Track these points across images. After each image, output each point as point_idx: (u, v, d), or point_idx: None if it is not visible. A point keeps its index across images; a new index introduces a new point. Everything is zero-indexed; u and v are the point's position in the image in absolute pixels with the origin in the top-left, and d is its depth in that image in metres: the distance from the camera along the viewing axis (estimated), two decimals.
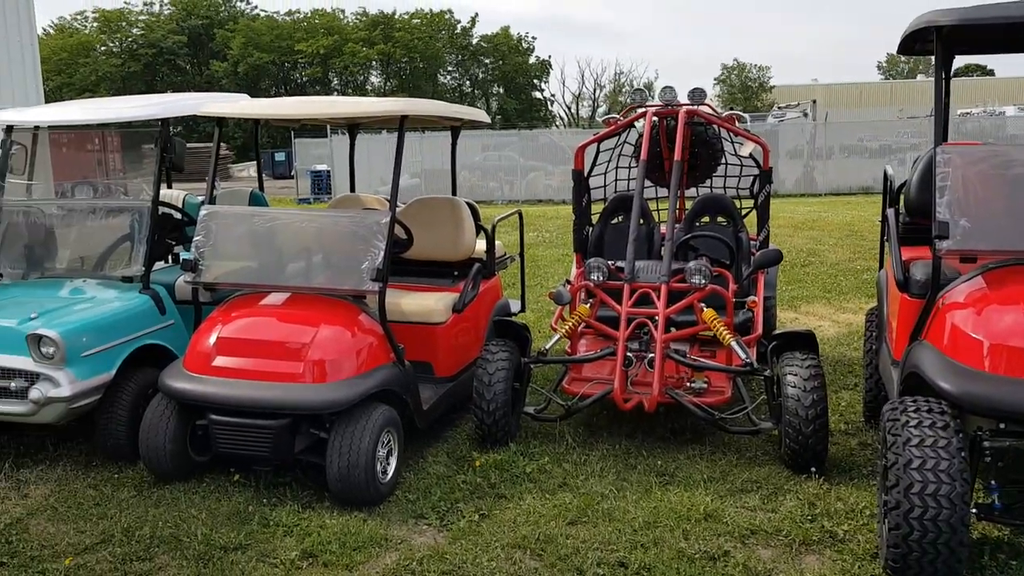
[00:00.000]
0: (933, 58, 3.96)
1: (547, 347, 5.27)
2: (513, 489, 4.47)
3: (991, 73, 68.22)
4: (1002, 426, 3.34)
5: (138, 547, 3.92)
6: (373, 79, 55.51)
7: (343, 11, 55.28)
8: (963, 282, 3.69)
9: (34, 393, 4.46)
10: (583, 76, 73.05)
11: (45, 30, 49.99)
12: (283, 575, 3.72)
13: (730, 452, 4.89)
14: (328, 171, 25.92)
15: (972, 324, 3.46)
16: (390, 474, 4.44)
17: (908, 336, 3.93)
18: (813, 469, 4.47)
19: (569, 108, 56.73)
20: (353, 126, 7.02)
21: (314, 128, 22.22)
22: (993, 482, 3.45)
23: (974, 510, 3.39)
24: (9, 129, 5.59)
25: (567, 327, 5.28)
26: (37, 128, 5.84)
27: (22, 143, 5.76)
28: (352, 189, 7.00)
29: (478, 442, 5.02)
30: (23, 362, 4.53)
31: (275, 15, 53.60)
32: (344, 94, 51.07)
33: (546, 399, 5.28)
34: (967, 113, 29.88)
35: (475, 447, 5.01)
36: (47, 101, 13.94)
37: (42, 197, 6.06)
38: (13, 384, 4.55)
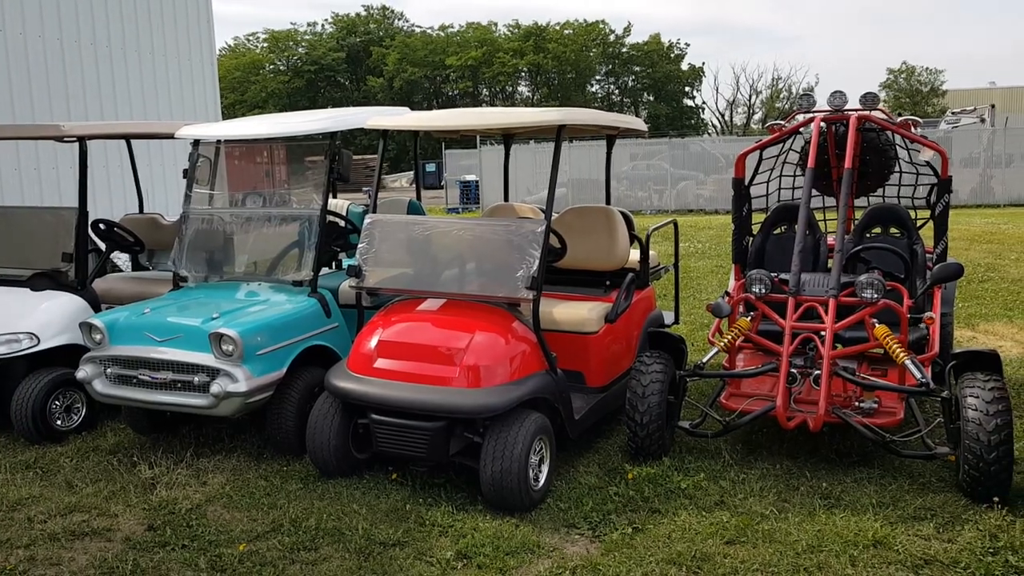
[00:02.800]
0: None
1: (704, 360, 5.16)
2: (667, 504, 4.41)
3: None
4: None
5: (304, 537, 4.14)
6: (522, 89, 56.37)
7: (496, 24, 56.39)
8: None
9: (215, 387, 4.80)
10: (738, 82, 71.18)
11: (221, 51, 53.94)
12: (439, 574, 3.82)
13: (901, 477, 4.63)
14: (476, 181, 26.52)
15: None
16: (542, 481, 4.49)
17: None
18: (996, 499, 4.17)
19: (722, 115, 55.46)
20: (508, 137, 7.15)
21: (464, 140, 22.84)
22: None
23: None
24: (196, 143, 6.05)
25: (725, 341, 5.16)
26: (219, 142, 6.29)
27: (207, 156, 6.23)
28: (506, 198, 7.12)
29: (631, 454, 4.98)
30: (205, 358, 4.88)
31: (430, 30, 55.49)
32: (492, 105, 52.17)
33: (702, 414, 5.18)
34: None
35: (627, 459, 4.98)
36: (223, 118, 15.02)
37: (221, 206, 6.51)
38: (196, 379, 4.91)
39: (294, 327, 5.22)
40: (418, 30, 56.12)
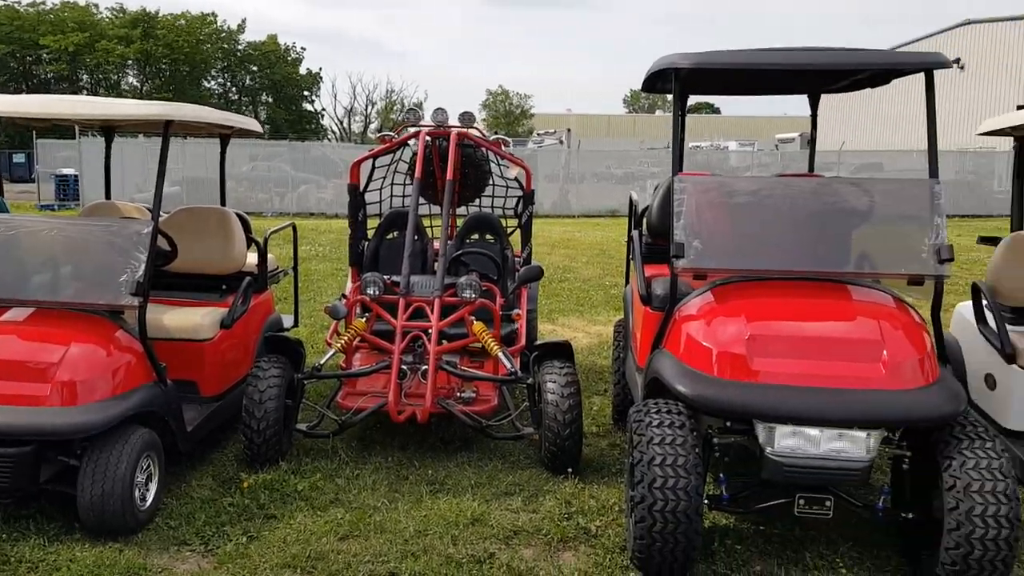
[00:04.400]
0: (672, 96, 4.33)
1: (321, 362, 5.14)
2: (283, 509, 4.31)
3: (718, 111, 75.72)
4: (728, 424, 3.71)
5: None
6: (130, 79, 51.48)
7: (97, 6, 50.65)
8: (696, 296, 4.06)
9: None
10: (355, 91, 72.12)
11: None
12: None
13: (496, 458, 5.03)
14: (76, 176, 23.63)
15: (703, 334, 3.81)
16: (150, 500, 4.12)
17: (650, 345, 4.25)
18: (570, 470, 4.71)
19: (341, 122, 55.85)
20: (109, 129, 6.47)
21: (59, 129, 20.22)
22: (722, 475, 3.82)
23: (706, 501, 3.74)
24: None
25: (342, 342, 5.20)
26: None
27: None
28: (107, 196, 6.44)
29: (247, 463, 4.78)
30: None
31: (16, 4, 48.16)
32: (95, 94, 46.89)
33: (319, 415, 5.15)
34: (697, 147, 32.96)
35: (244, 468, 4.78)
36: None
37: None
38: None
39: None
40: (2, 3, 48.46)
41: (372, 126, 55.65)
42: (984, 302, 4.81)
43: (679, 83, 4.26)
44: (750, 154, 30.12)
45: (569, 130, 32.55)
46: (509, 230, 6.93)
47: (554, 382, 4.73)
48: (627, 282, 6.08)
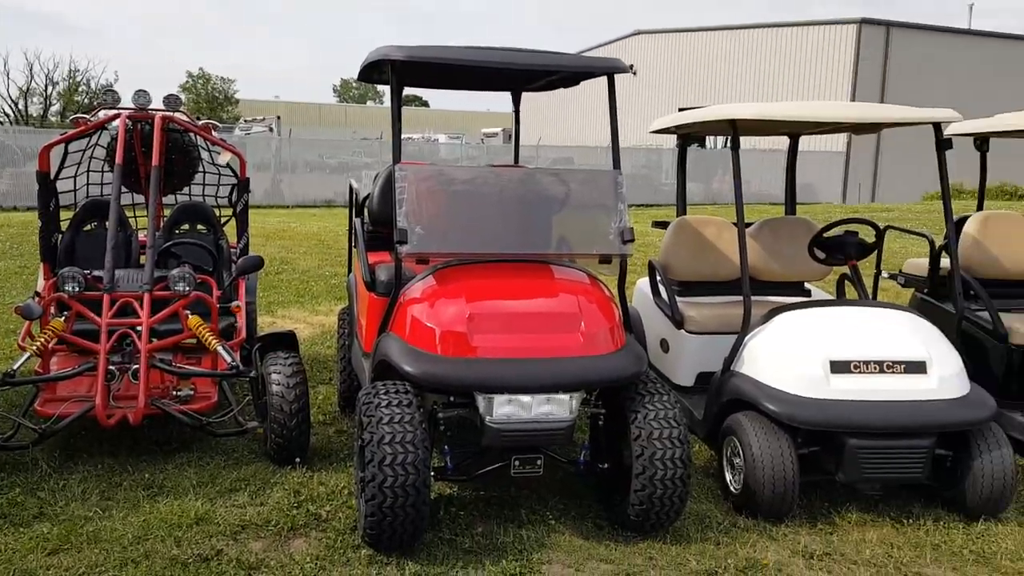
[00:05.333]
0: (389, 87, 4.43)
1: (15, 368, 4.59)
2: None
3: (426, 104, 77.39)
4: (452, 399, 3.92)
5: None
6: None
7: None
8: (419, 281, 4.22)
9: None
10: (31, 70, 63.46)
11: None
12: None
13: (219, 455, 4.85)
14: None
15: (427, 315, 3.98)
16: None
17: (376, 330, 4.35)
18: (298, 460, 4.67)
19: (15, 103, 48.99)
20: None
21: None
22: (447, 447, 4.03)
23: (433, 473, 3.93)
24: None
25: (38, 344, 4.68)
26: None
27: None
28: None
29: None
30: None
31: None
32: None
33: (14, 425, 4.61)
34: (409, 138, 33.49)
35: None
36: None
37: None
38: None
39: None
40: None
41: (53, 108, 49.53)
42: (658, 278, 5.50)
43: (395, 74, 4.37)
44: (458, 147, 31.21)
45: (279, 118, 31.44)
46: (224, 220, 6.64)
47: (279, 373, 4.66)
48: (350, 270, 6.11)
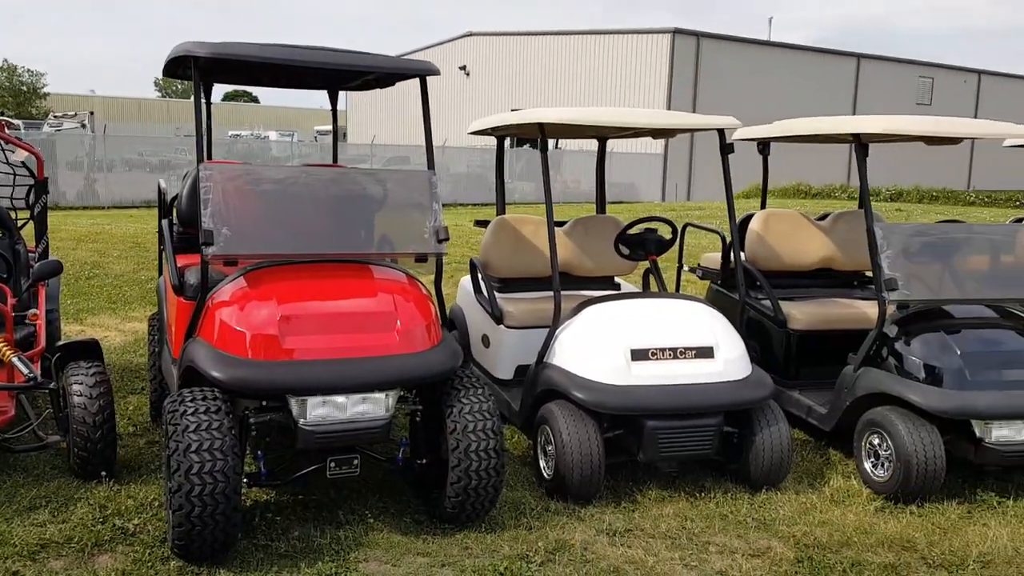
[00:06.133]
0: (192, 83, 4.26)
1: None
2: None
3: (256, 100, 74.52)
4: (264, 403, 3.83)
5: None
6: None
7: None
8: (228, 283, 4.09)
9: None
10: None
11: None
12: None
13: (18, 472, 4.50)
14: None
15: (236, 319, 3.87)
16: None
17: (185, 335, 4.17)
18: (104, 474, 4.41)
19: None
20: None
21: None
22: (260, 452, 3.94)
23: (245, 480, 3.82)
24: None
25: None
26: None
27: None
28: None
29: None
30: None
31: None
32: None
33: None
34: (238, 135, 32.18)
35: None
36: None
37: None
38: None
39: None
40: None
41: None
42: (479, 275, 5.62)
43: (198, 71, 4.21)
44: (290, 144, 30.32)
45: (92, 113, 29.30)
46: (21, 223, 6.13)
47: (80, 384, 4.37)
48: (160, 273, 5.82)
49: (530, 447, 4.98)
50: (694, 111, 32.52)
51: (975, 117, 39.92)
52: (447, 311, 4.50)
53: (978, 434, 4.38)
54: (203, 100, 4.32)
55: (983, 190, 31.05)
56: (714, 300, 6.36)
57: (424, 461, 4.16)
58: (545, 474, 4.49)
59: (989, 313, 4.89)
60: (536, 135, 5.00)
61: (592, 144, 6.76)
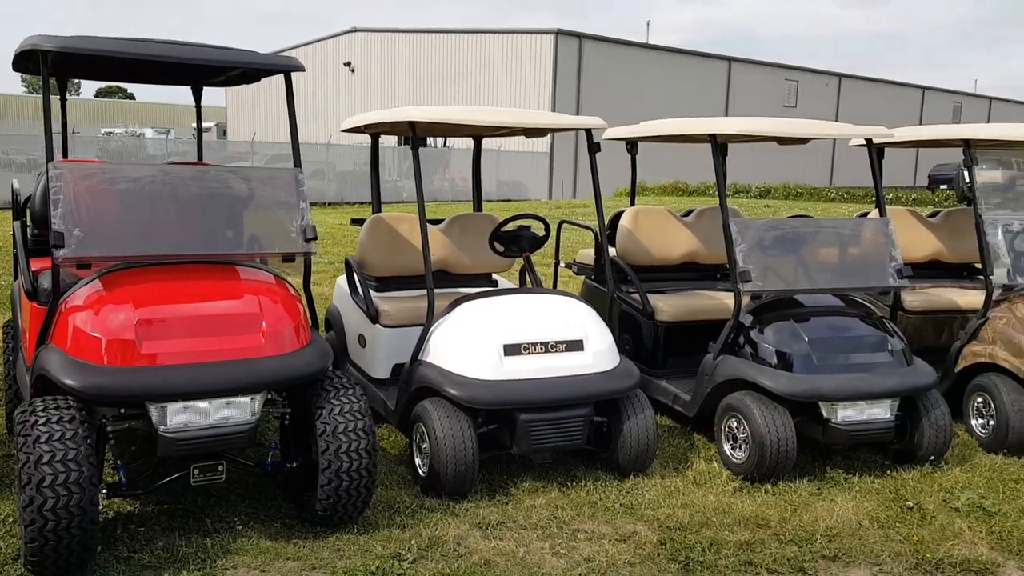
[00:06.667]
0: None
1: None
2: None
3: (132, 96, 70.96)
4: (122, 411, 3.66)
5: None
6: None
7: None
8: (81, 287, 3.88)
9: None
10: None
11: None
12: None
13: None
14: None
15: (90, 324, 3.67)
16: None
17: (36, 342, 3.94)
18: None
19: None
20: None
21: None
22: (119, 462, 3.76)
23: (105, 491, 3.64)
24: None
25: None
26: None
27: None
28: None
29: None
30: None
31: None
32: None
33: None
34: (111, 133, 30.55)
35: None
36: None
37: None
38: None
39: None
40: None
41: None
42: (354, 274, 5.55)
43: (46, 66, 3.97)
44: (166, 141, 29.00)
45: None
46: None
47: None
48: (15, 277, 5.46)
49: (408, 446, 4.96)
50: (578, 111, 33.15)
51: (836, 117, 42.43)
52: (316, 312, 4.41)
53: (825, 415, 4.66)
54: (62, 96, 4.07)
55: (843, 187, 33.07)
56: (588, 295, 6.50)
57: (295, 464, 4.07)
58: (420, 472, 4.48)
59: (835, 302, 5.21)
60: (407, 133, 4.97)
61: (483, 143, 6.78)
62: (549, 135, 5.93)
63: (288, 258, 4.32)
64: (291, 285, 4.32)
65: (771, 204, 25.29)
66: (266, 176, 4.89)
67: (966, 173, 5.48)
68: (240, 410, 3.70)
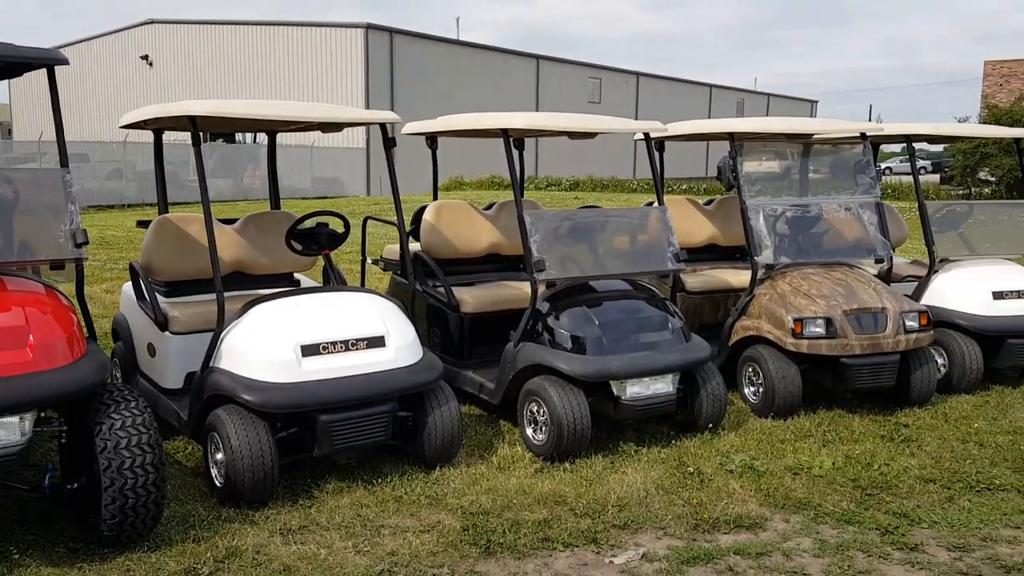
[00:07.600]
0: None
1: None
2: None
3: None
4: None
5: None
6: None
7: None
8: None
9: None
10: None
11: None
12: None
13: None
14: None
15: None
16: None
17: None
18: None
19: None
20: None
21: None
22: None
23: None
24: None
25: None
26: None
27: None
28: None
29: None
30: None
31: None
32: None
33: None
34: None
35: None
36: None
37: None
38: None
39: None
40: None
41: None
42: (140, 279, 5.19)
43: None
44: None
45: None
46: None
47: None
48: None
49: (204, 457, 4.72)
50: (392, 106, 32.82)
51: (636, 113, 44.77)
52: (93, 322, 4.10)
53: (615, 393, 4.92)
54: None
55: (644, 178, 34.98)
56: (395, 290, 6.48)
57: (76, 485, 3.77)
58: (217, 482, 4.28)
59: (623, 286, 5.50)
60: (188, 129, 4.71)
61: (296, 139, 6.55)
62: (365, 130, 5.83)
63: (57, 265, 3.99)
64: (62, 294, 3.99)
65: (580, 196, 26.31)
66: (30, 178, 4.47)
67: (732, 163, 5.97)
68: (7, 431, 3.38)
